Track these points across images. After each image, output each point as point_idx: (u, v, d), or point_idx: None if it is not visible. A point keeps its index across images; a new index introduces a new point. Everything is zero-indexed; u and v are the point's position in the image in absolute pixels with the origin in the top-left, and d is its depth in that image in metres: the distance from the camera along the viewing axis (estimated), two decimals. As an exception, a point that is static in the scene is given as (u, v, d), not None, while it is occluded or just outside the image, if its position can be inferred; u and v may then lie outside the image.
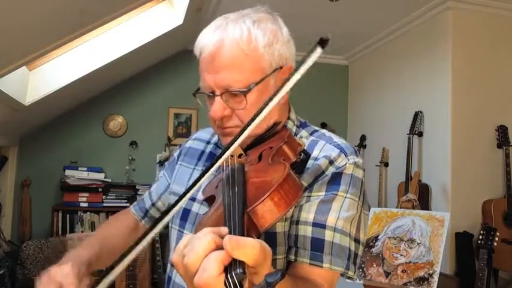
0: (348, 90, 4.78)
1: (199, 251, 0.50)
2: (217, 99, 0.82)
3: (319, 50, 0.55)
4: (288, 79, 0.58)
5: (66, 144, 4.08)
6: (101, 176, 3.90)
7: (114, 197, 3.93)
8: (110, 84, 4.09)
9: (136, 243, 0.55)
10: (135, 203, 1.17)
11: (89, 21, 2.29)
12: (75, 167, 3.88)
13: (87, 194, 3.84)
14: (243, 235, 0.53)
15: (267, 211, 0.58)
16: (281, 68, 0.85)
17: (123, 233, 1.07)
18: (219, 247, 0.50)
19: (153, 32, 3.28)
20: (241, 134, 0.61)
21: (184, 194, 0.60)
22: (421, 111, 3.37)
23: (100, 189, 3.86)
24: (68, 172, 3.82)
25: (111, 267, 0.55)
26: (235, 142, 0.61)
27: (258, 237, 0.59)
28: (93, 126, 4.17)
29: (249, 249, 0.49)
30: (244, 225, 0.55)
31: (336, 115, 4.67)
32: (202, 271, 0.49)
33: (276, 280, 0.46)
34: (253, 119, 0.60)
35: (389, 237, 2.50)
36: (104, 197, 3.88)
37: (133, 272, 2.45)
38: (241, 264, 0.48)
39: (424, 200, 3.16)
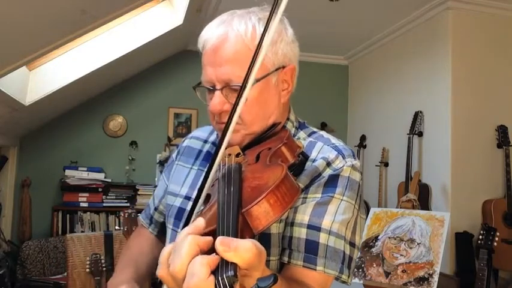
0: (348, 90, 4.78)
1: (183, 256, 0.48)
2: (217, 93, 0.82)
3: None
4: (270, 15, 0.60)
5: (66, 144, 4.08)
6: (101, 176, 3.90)
7: (114, 197, 3.93)
8: (110, 84, 4.09)
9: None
10: (143, 211, 1.17)
11: (89, 21, 2.28)
12: (75, 167, 3.88)
13: (87, 194, 3.84)
14: (236, 236, 0.51)
15: (262, 213, 0.56)
16: (284, 67, 0.84)
17: (148, 248, 1.07)
18: (204, 249, 0.49)
19: (153, 32, 3.28)
20: (235, 108, 0.61)
21: (197, 198, 0.59)
22: (421, 111, 3.37)
23: (100, 189, 3.86)
24: (68, 172, 3.82)
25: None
26: (232, 119, 0.61)
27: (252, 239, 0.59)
28: (93, 126, 4.17)
29: (242, 251, 0.47)
30: (239, 226, 0.53)
31: (336, 115, 4.67)
32: (190, 276, 0.47)
33: (269, 284, 0.45)
34: (245, 79, 0.61)
35: (389, 237, 2.50)
36: (104, 197, 3.88)
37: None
38: (233, 266, 0.46)
39: (424, 200, 3.16)
